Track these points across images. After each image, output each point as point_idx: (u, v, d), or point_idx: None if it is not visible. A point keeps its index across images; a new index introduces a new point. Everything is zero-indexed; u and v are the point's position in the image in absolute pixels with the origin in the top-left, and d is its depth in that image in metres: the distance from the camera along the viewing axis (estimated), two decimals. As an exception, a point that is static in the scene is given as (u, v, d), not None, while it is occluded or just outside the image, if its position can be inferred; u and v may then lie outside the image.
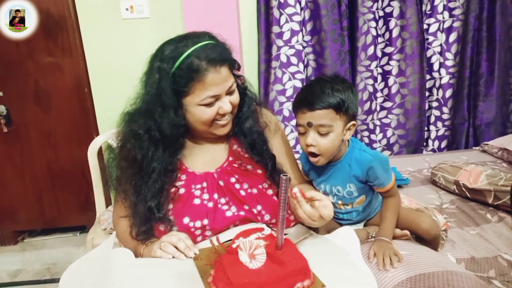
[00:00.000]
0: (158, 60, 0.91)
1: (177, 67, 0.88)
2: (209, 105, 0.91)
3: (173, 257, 0.83)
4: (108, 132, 1.77)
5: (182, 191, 0.94)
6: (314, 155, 0.96)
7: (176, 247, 0.84)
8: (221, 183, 0.97)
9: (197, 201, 0.93)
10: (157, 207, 0.90)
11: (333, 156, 0.98)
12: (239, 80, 1.01)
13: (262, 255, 0.70)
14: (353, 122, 0.96)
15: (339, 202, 1.04)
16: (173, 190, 0.93)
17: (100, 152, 1.75)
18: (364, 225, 1.11)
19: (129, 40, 1.96)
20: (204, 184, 0.96)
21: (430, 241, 1.02)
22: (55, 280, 1.88)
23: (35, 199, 2.19)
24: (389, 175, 0.97)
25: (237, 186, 0.97)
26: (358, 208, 1.04)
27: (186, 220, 0.91)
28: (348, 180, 1.00)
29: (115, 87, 2.01)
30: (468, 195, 1.54)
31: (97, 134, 2.06)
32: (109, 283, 0.71)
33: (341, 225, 1.05)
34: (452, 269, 0.82)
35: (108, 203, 1.88)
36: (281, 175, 0.69)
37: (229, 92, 0.94)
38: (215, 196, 0.94)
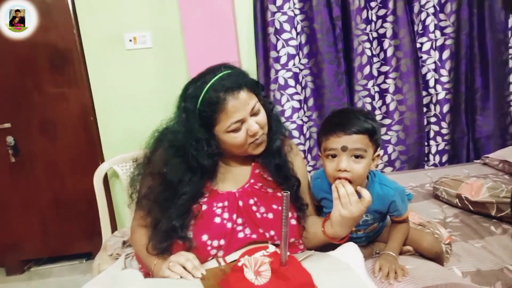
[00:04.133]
0: (183, 100, 0.99)
1: (200, 103, 0.95)
2: (236, 130, 0.96)
3: (181, 277, 0.85)
4: (113, 159, 1.81)
5: (204, 207, 0.97)
6: None
7: (184, 267, 0.86)
8: (241, 203, 1.00)
9: (217, 220, 0.96)
10: (181, 227, 0.94)
11: (362, 185, 0.96)
12: (264, 100, 1.05)
13: (267, 272, 0.72)
14: (379, 152, 0.97)
15: (353, 226, 1.04)
16: (196, 206, 0.97)
17: (105, 179, 1.78)
18: (369, 242, 1.12)
19: (133, 69, 2.03)
20: (226, 203, 0.99)
21: (433, 258, 1.03)
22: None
23: (40, 228, 2.20)
24: (406, 205, 1.00)
25: (254, 208, 1.00)
26: (369, 234, 1.06)
27: (204, 237, 0.94)
28: (367, 212, 0.98)
29: (119, 115, 2.07)
30: (471, 208, 1.54)
31: (103, 161, 2.09)
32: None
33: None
34: (457, 282, 0.83)
35: (114, 229, 1.89)
36: (282, 193, 0.72)
37: (254, 113, 0.98)
38: (234, 216, 0.97)
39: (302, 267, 0.76)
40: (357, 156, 0.91)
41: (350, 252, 0.90)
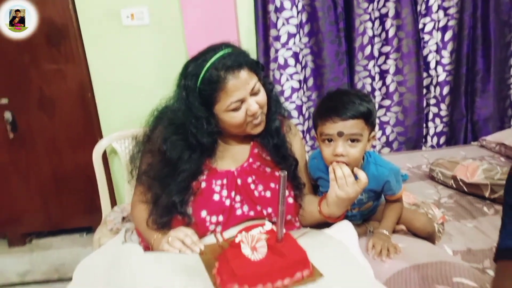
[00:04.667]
0: (184, 78, 0.98)
1: (200, 82, 0.94)
2: (236, 109, 0.96)
3: (180, 251, 0.87)
4: (111, 136, 1.82)
5: (203, 185, 0.99)
6: None
7: (183, 242, 0.89)
8: (239, 181, 1.01)
9: (216, 197, 0.98)
10: (181, 202, 0.96)
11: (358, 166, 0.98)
12: (264, 80, 1.04)
13: (264, 248, 0.74)
14: (374, 133, 0.98)
15: (349, 206, 1.06)
16: (195, 183, 0.99)
17: (104, 155, 1.79)
18: (364, 221, 1.15)
19: (130, 46, 2.00)
20: (224, 181, 1.01)
21: (425, 237, 1.06)
22: (64, 280, 1.91)
23: (41, 203, 2.23)
24: (400, 185, 1.01)
25: (253, 186, 1.02)
26: (363, 212, 1.09)
27: (203, 213, 0.96)
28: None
29: (117, 91, 2.05)
30: (466, 189, 1.57)
31: (101, 137, 2.10)
32: (120, 276, 0.75)
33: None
34: (447, 260, 0.85)
35: (113, 204, 1.92)
36: (279, 172, 0.73)
37: (254, 93, 0.98)
38: (232, 194, 0.99)
39: (297, 243, 0.78)
40: (353, 140, 0.92)
41: (345, 230, 0.93)
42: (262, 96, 1.00)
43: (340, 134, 0.91)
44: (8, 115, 2.07)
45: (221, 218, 0.97)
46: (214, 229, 0.97)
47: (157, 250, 0.92)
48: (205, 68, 0.94)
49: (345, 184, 0.87)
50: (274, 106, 1.06)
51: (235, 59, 0.95)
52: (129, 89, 2.05)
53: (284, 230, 0.78)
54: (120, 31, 1.97)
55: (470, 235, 1.28)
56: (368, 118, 0.93)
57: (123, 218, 1.52)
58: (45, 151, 2.16)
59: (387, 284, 0.79)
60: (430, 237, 1.06)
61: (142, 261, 0.82)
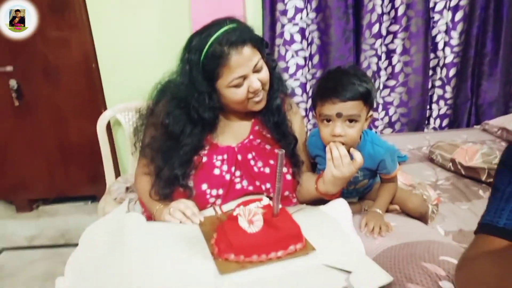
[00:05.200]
0: (187, 52, 0.98)
1: (203, 56, 0.95)
2: (238, 86, 0.97)
3: (180, 222, 0.91)
4: (115, 107, 1.84)
5: (204, 159, 1.02)
6: None
7: (183, 213, 0.93)
8: (239, 157, 1.04)
9: (216, 171, 1.01)
10: (183, 175, 0.99)
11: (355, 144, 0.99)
12: (268, 58, 1.04)
13: (259, 221, 0.78)
14: (371, 113, 0.99)
15: (344, 184, 1.09)
16: (196, 157, 1.01)
17: (108, 126, 1.82)
18: (359, 199, 1.18)
19: (135, 16, 1.98)
20: (225, 157, 1.03)
21: (418, 218, 1.09)
22: (70, 245, 2.00)
23: (46, 170, 2.29)
24: (395, 165, 1.03)
25: (252, 162, 1.04)
26: (359, 189, 1.11)
27: (204, 186, 0.99)
28: None
29: (121, 63, 2.05)
30: (463, 172, 1.59)
31: (105, 108, 2.12)
32: (124, 243, 0.79)
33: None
34: (435, 239, 0.89)
35: (117, 174, 1.97)
36: (277, 150, 0.76)
37: (256, 70, 0.98)
38: (233, 169, 1.02)
39: (292, 219, 0.82)
40: (351, 121, 0.94)
41: (339, 207, 0.96)
42: (264, 74, 1.01)
43: (339, 115, 0.92)
44: (13, 82, 2.09)
45: (221, 191, 1.00)
46: (214, 202, 1.00)
47: (159, 220, 0.96)
48: (208, 43, 0.94)
49: (341, 164, 0.89)
50: (276, 84, 1.07)
51: (240, 34, 0.95)
52: (133, 61, 2.05)
53: (280, 206, 0.81)
54: (125, 0, 1.95)
55: (463, 217, 1.31)
56: (367, 98, 0.94)
57: (127, 188, 1.56)
58: (50, 120, 2.19)
59: (376, 260, 0.82)
60: (422, 218, 1.10)
61: (145, 230, 0.86)
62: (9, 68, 2.06)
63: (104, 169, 1.79)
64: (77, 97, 2.15)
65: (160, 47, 2.00)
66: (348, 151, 0.92)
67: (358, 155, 0.90)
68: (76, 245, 0.85)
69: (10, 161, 2.26)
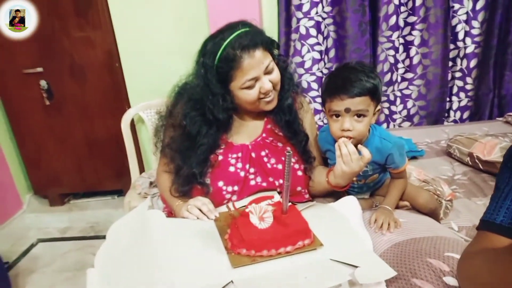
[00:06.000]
0: (202, 56, 1.04)
1: (217, 60, 1.00)
2: (250, 87, 1.02)
3: (197, 218, 0.98)
4: (138, 105, 1.92)
5: (220, 158, 1.08)
6: None
7: (200, 210, 0.99)
8: (253, 155, 1.09)
9: (231, 169, 1.07)
10: (200, 173, 1.05)
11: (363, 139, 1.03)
12: (279, 59, 1.09)
13: (270, 218, 0.83)
14: (379, 107, 1.02)
15: (354, 178, 1.13)
16: (212, 156, 1.07)
17: (132, 123, 1.91)
18: (371, 195, 1.20)
19: (156, 15, 2.05)
20: (240, 155, 1.09)
21: (428, 214, 1.10)
22: (99, 237, 2.13)
23: (75, 166, 2.43)
24: (404, 159, 1.05)
25: (265, 159, 1.10)
26: (369, 184, 1.14)
27: (220, 183, 1.06)
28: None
29: (143, 62, 2.13)
30: (481, 167, 1.57)
31: (129, 106, 2.21)
32: (147, 237, 0.87)
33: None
34: (443, 235, 0.91)
35: (141, 169, 2.06)
36: (285, 152, 0.80)
37: (267, 72, 1.03)
38: (247, 166, 1.07)
39: (300, 215, 0.86)
40: (359, 115, 0.97)
41: (349, 204, 1.00)
42: (275, 75, 1.05)
43: (347, 110, 0.96)
44: (43, 83, 2.22)
45: (236, 188, 1.06)
46: (229, 198, 1.06)
47: (178, 216, 1.03)
48: (222, 47, 0.99)
49: (350, 160, 0.94)
50: (287, 84, 1.11)
51: (252, 38, 0.99)
52: (154, 60, 2.12)
53: (289, 203, 0.85)
54: (145, 1, 2.01)
55: (478, 212, 1.29)
56: (374, 93, 0.97)
57: (150, 183, 1.65)
58: (78, 118, 2.32)
59: (383, 255, 0.85)
60: (432, 214, 1.11)
61: (166, 226, 0.93)
62: (39, 69, 2.19)
63: (129, 164, 1.88)
64: (102, 95, 2.25)
65: (179, 46, 2.06)
66: (356, 147, 0.95)
67: (366, 152, 0.94)
68: (104, 237, 0.93)
69: (44, 158, 2.41)
